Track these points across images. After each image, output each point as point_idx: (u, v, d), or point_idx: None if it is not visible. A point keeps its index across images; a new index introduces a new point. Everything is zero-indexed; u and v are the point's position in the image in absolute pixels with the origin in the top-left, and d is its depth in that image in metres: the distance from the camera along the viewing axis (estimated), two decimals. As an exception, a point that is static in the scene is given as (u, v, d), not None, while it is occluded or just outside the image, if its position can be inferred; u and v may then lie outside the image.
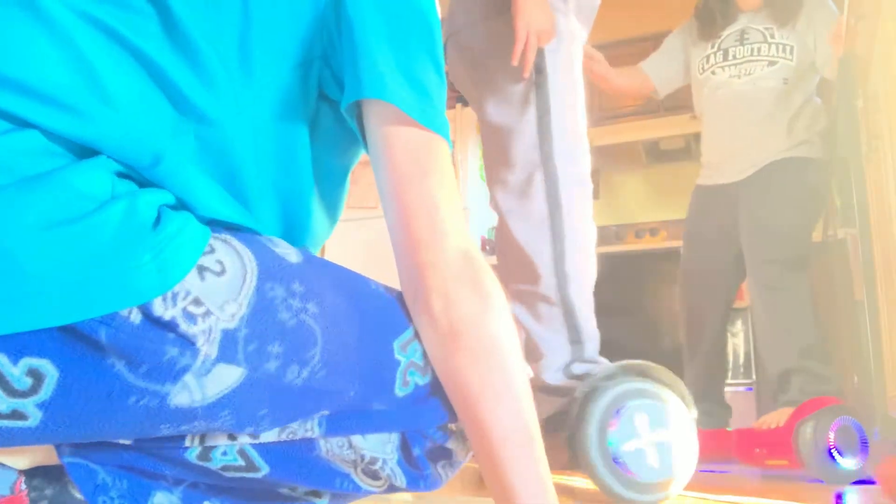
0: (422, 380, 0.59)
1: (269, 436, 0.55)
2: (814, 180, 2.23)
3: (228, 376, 0.50)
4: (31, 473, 0.63)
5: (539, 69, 1.47)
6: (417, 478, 0.61)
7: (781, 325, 2.06)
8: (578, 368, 1.40)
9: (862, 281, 1.85)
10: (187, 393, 0.49)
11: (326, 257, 3.96)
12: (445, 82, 0.64)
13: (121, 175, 0.53)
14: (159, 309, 0.47)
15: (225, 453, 0.56)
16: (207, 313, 0.49)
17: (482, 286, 0.59)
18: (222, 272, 0.50)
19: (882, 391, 1.73)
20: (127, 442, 0.55)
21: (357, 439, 0.58)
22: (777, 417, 1.96)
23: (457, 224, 0.60)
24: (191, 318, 0.48)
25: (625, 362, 1.34)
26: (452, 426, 0.62)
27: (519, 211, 1.49)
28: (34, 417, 0.46)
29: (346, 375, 0.55)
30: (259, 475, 0.57)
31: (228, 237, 0.53)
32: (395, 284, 0.62)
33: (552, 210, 1.46)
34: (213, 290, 0.49)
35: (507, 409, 0.57)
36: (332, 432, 0.57)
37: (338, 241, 3.55)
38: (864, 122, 1.85)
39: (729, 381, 2.83)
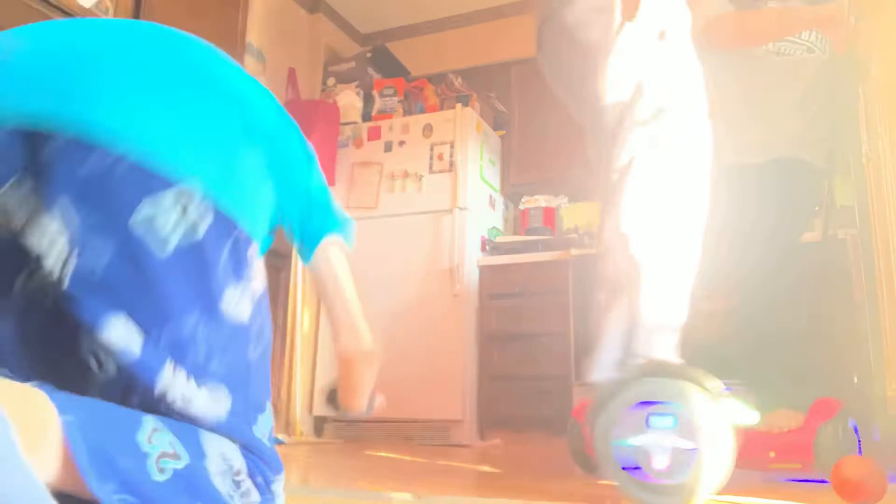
0: (180, 465, 0.62)
1: None
2: (807, 185, 2.23)
3: None
4: None
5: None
6: None
7: (761, 325, 2.05)
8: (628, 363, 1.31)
9: (862, 281, 1.85)
10: None
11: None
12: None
13: None
14: None
15: None
16: None
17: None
18: None
19: (882, 391, 1.73)
20: None
21: None
22: (780, 420, 1.93)
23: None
24: None
25: (657, 360, 1.27)
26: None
27: (613, 200, 1.40)
28: None
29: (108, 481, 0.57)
30: None
31: None
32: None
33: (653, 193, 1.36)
34: None
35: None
36: None
37: (337, 241, 3.54)
38: (864, 122, 1.85)
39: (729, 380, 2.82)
